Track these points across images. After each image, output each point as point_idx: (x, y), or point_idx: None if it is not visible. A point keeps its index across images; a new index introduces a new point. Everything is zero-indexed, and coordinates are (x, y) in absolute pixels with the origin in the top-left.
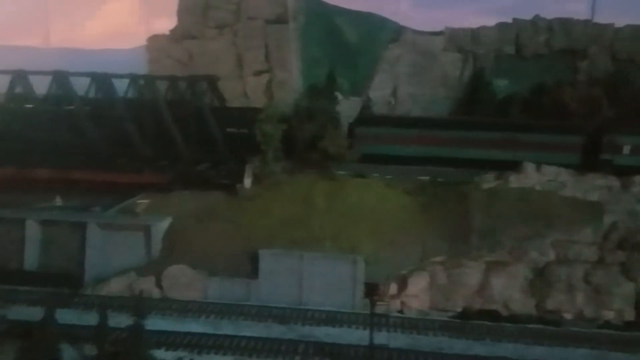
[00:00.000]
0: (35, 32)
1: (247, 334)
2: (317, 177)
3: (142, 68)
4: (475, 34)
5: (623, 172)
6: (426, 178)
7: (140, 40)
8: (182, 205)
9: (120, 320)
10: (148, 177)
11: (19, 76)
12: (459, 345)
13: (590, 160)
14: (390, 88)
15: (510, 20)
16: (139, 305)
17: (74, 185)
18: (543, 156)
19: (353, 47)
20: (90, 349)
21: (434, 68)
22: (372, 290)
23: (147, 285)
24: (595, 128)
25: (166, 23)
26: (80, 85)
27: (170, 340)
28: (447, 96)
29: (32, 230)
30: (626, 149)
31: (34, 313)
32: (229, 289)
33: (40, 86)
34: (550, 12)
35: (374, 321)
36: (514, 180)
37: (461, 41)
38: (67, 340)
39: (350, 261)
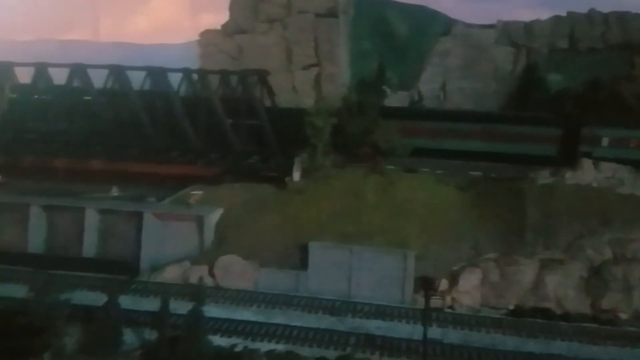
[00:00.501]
0: (85, 27)
1: (298, 324)
2: (366, 171)
3: (192, 62)
4: (528, 27)
5: None
6: (478, 173)
7: (189, 36)
8: (233, 198)
9: (175, 306)
10: (199, 169)
11: (77, 69)
12: (512, 343)
13: (569, 153)
14: (440, 82)
15: (564, 14)
16: (198, 292)
17: (128, 177)
18: (520, 148)
19: (403, 41)
20: (149, 334)
21: (485, 62)
22: (427, 285)
23: (201, 273)
24: (575, 120)
25: (213, 18)
26: (135, 79)
27: (225, 327)
28: (498, 91)
29: (91, 218)
30: (605, 141)
31: (95, 298)
32: (278, 280)
33: (96, 80)
34: (606, 5)
35: (427, 315)
36: (571, 177)
37: (514, 34)
38: (128, 324)
39: (400, 256)
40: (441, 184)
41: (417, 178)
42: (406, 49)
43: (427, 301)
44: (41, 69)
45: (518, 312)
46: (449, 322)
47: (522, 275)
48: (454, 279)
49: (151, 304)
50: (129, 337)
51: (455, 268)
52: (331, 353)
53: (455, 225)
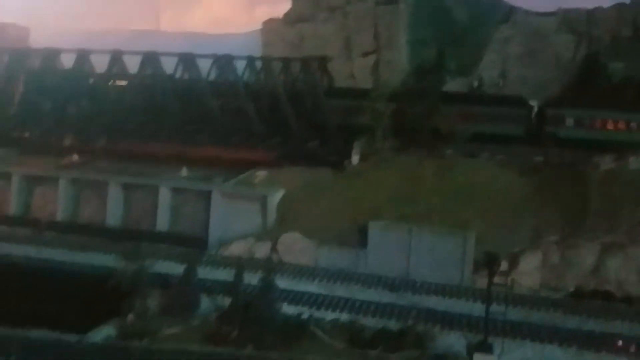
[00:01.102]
0: (145, 17)
1: (360, 297)
2: (425, 155)
3: (255, 51)
4: (590, 15)
5: (566, 145)
6: (540, 158)
7: (250, 26)
8: (293, 180)
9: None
10: (262, 154)
11: (149, 57)
12: (572, 322)
13: (534, 133)
14: (499, 69)
15: (627, 1)
16: (268, 263)
17: (195, 161)
18: (487, 127)
19: (462, 28)
20: (222, 301)
21: (546, 49)
22: (491, 260)
23: (265, 249)
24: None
25: (271, 9)
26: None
27: (291, 297)
28: (558, 79)
29: (164, 196)
30: (569, 122)
31: (170, 267)
32: (337, 258)
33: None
34: None
35: (490, 290)
36: (634, 162)
37: (575, 22)
38: (203, 291)
39: (460, 237)
40: (502, 169)
41: (477, 163)
42: (465, 36)
43: (491, 276)
44: (116, 57)
45: (578, 294)
46: (510, 301)
47: (583, 258)
48: (514, 261)
49: (222, 275)
50: (204, 303)
51: (515, 250)
52: (393, 324)
53: (515, 209)
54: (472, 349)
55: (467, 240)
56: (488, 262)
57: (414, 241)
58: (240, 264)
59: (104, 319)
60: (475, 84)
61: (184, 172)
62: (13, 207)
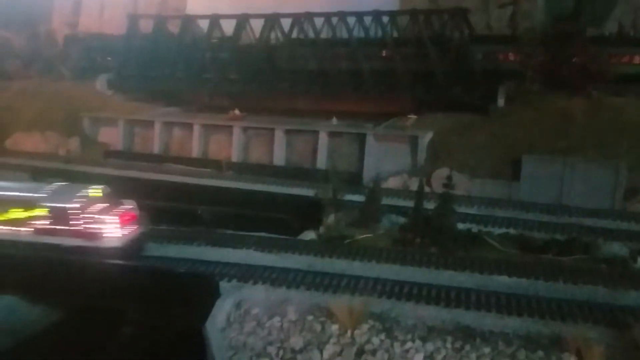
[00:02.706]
0: None
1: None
2: (573, 94)
3: (392, 7)
4: None
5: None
6: None
7: None
8: (441, 122)
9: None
10: (406, 102)
11: (303, 19)
12: None
13: None
14: (631, 19)
15: None
16: (449, 183)
17: (341, 113)
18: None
19: None
20: (398, 219)
21: None
22: None
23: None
24: None
25: None
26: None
27: (457, 217)
28: None
29: (323, 140)
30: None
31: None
32: (490, 190)
33: None
34: None
35: None
36: None
37: None
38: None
39: (613, 167)
40: None
41: (625, 101)
42: None
43: None
44: (272, 22)
45: None
46: None
47: None
48: None
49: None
50: (384, 221)
51: None
52: (559, 236)
53: None
54: (635, 254)
55: (619, 170)
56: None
57: (567, 172)
58: (421, 184)
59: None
60: (616, 28)
61: (334, 121)
62: (195, 151)
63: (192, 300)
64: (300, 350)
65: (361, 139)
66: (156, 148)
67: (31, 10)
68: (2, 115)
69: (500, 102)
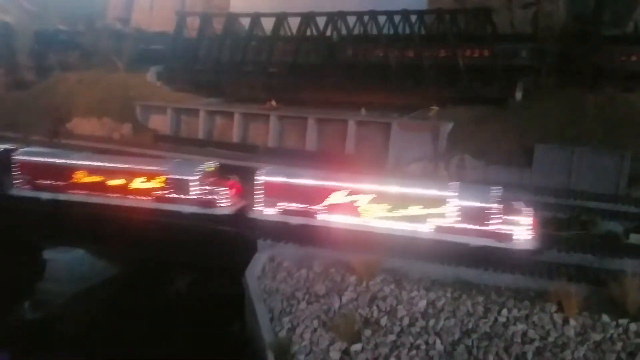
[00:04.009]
0: None
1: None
2: (586, 89)
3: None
4: None
5: None
6: None
7: None
8: (461, 114)
9: None
10: (430, 95)
11: (339, 16)
12: None
13: None
14: None
15: None
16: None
17: (369, 106)
18: None
19: None
20: None
21: None
22: None
23: (438, 169)
24: None
25: None
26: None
27: None
28: None
29: (351, 128)
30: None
31: None
32: (504, 175)
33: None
34: None
35: None
36: None
37: None
38: None
39: (618, 156)
40: None
41: (635, 96)
42: None
43: None
44: (308, 19)
45: None
46: None
47: None
48: None
49: None
50: None
51: None
52: (561, 215)
53: None
54: (628, 231)
55: (624, 158)
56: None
57: (576, 159)
58: None
59: None
60: (632, 28)
61: (363, 111)
62: (235, 137)
63: (235, 254)
64: (323, 296)
65: (386, 127)
66: (200, 134)
67: (87, 6)
68: (63, 102)
69: (518, 95)
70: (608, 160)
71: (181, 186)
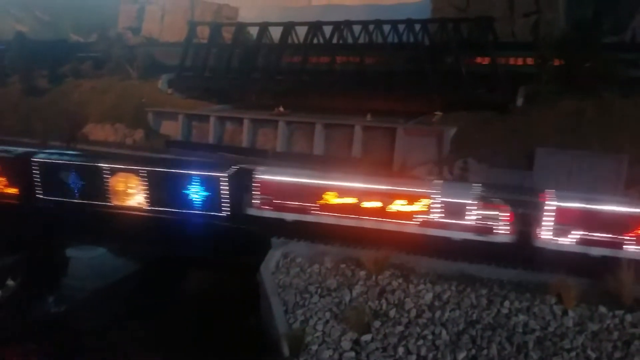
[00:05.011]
0: None
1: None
2: (585, 95)
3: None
4: None
5: None
6: None
7: None
8: (464, 119)
9: None
10: (434, 101)
11: (345, 25)
12: None
13: None
14: None
15: None
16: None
17: (374, 111)
18: None
19: None
20: None
21: None
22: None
23: (442, 172)
24: None
25: None
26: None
27: None
28: None
29: (358, 133)
30: None
31: None
32: (506, 178)
33: None
34: None
35: None
36: None
37: None
38: None
39: (615, 159)
40: None
41: (632, 101)
42: None
43: None
44: (316, 29)
45: None
46: None
47: None
48: None
49: None
50: None
51: None
52: None
53: None
54: None
55: (621, 162)
56: None
57: (575, 163)
58: None
59: None
60: (628, 37)
61: (369, 117)
62: (244, 142)
63: (251, 251)
64: (335, 289)
65: (392, 132)
66: (211, 139)
67: (99, 16)
68: (77, 109)
69: (519, 101)
70: (606, 163)
71: (454, 210)
